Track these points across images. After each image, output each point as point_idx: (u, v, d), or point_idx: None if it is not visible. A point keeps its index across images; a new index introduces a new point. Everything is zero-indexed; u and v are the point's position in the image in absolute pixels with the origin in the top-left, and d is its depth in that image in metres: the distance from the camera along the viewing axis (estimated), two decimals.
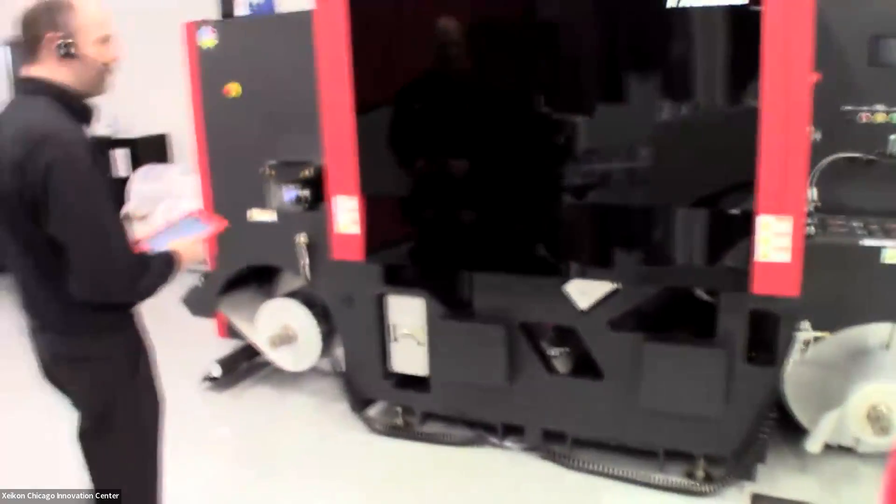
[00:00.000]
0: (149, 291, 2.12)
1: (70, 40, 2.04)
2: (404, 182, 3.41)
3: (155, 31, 5.55)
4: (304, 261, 3.86)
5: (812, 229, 2.92)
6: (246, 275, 4.34)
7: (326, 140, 3.41)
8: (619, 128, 2.99)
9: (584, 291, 3.30)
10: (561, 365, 3.58)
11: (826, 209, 3.16)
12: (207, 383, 4.42)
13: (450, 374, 3.65)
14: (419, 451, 3.68)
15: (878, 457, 3.13)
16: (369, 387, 3.95)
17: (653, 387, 3.18)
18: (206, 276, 4.31)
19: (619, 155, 3.02)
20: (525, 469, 3.49)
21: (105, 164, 2.13)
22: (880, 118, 3.14)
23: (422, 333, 3.70)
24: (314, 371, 4.40)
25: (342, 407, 4.02)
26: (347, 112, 3.31)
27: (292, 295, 4.20)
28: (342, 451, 3.73)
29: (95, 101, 2.19)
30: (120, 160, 7.28)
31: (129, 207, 6.58)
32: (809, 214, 2.90)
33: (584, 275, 3.17)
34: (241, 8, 4.08)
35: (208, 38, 3.89)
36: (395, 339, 3.81)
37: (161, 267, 2.17)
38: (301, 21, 3.48)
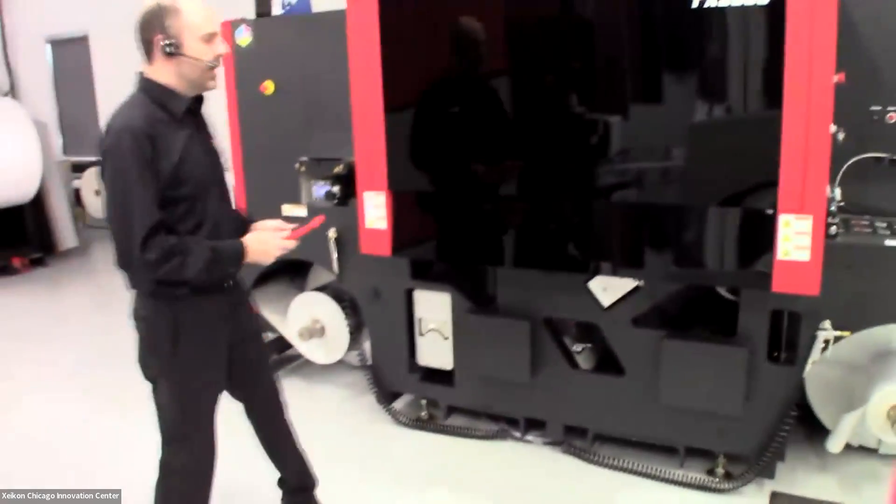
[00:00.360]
0: (179, 274, 2.22)
1: (174, 41, 2.23)
2: (432, 179, 3.46)
3: None
4: (334, 255, 3.94)
5: (835, 229, 2.91)
6: (278, 269, 4.43)
7: (356, 137, 3.48)
8: (644, 128, 3.01)
9: (607, 288, 3.33)
10: (584, 361, 3.62)
11: (851, 209, 3.16)
12: None
13: (474, 368, 3.71)
14: (443, 444, 3.75)
15: None
16: (396, 380, 4.02)
17: (673, 384, 3.20)
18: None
19: (643, 154, 3.04)
20: (547, 463, 3.53)
21: (168, 151, 2.24)
22: None
23: (447, 328, 3.76)
24: (344, 364, 4.48)
25: (370, 399, 4.10)
26: (377, 110, 3.39)
27: (322, 289, 4.30)
28: (368, 442, 3.81)
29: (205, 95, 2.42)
30: None
31: None
32: (832, 214, 2.89)
33: (611, 272, 3.19)
34: (277, 8, 4.19)
35: (245, 37, 4.01)
36: (422, 334, 3.87)
37: (203, 254, 2.26)
38: (334, 20, 3.56)
